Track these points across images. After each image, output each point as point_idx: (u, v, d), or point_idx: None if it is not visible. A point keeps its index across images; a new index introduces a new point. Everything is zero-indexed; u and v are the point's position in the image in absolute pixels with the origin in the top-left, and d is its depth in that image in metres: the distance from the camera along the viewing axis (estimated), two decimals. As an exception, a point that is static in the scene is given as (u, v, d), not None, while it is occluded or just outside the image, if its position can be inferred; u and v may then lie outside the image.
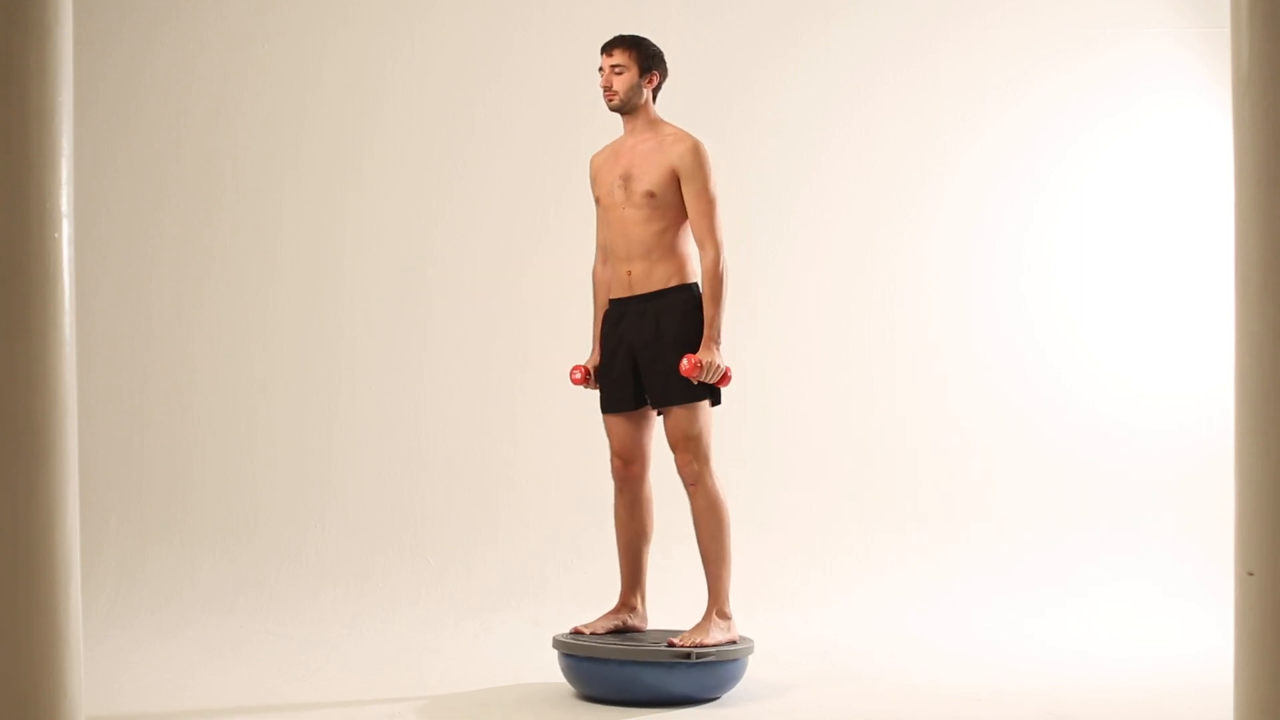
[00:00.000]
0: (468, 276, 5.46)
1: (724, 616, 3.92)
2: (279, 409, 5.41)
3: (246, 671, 4.21)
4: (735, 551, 3.97)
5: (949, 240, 5.51)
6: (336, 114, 5.50)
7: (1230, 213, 2.36)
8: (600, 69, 4.00)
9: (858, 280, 5.49)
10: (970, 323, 5.49)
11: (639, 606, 4.07)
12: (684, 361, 3.84)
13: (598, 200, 4.07)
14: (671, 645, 3.81)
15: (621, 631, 4.00)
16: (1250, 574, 2.25)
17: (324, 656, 4.42)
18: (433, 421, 5.40)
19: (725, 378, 3.90)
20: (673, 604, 4.34)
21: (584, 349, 4.25)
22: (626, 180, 3.95)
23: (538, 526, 5.27)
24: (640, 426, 4.03)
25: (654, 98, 4.03)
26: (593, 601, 4.39)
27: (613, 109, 4.00)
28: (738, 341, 4.16)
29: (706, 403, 3.93)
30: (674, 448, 3.94)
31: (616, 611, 4.04)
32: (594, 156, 4.12)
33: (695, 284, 3.97)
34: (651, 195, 3.92)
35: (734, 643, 3.88)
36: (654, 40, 4.04)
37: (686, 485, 3.95)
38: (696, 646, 3.80)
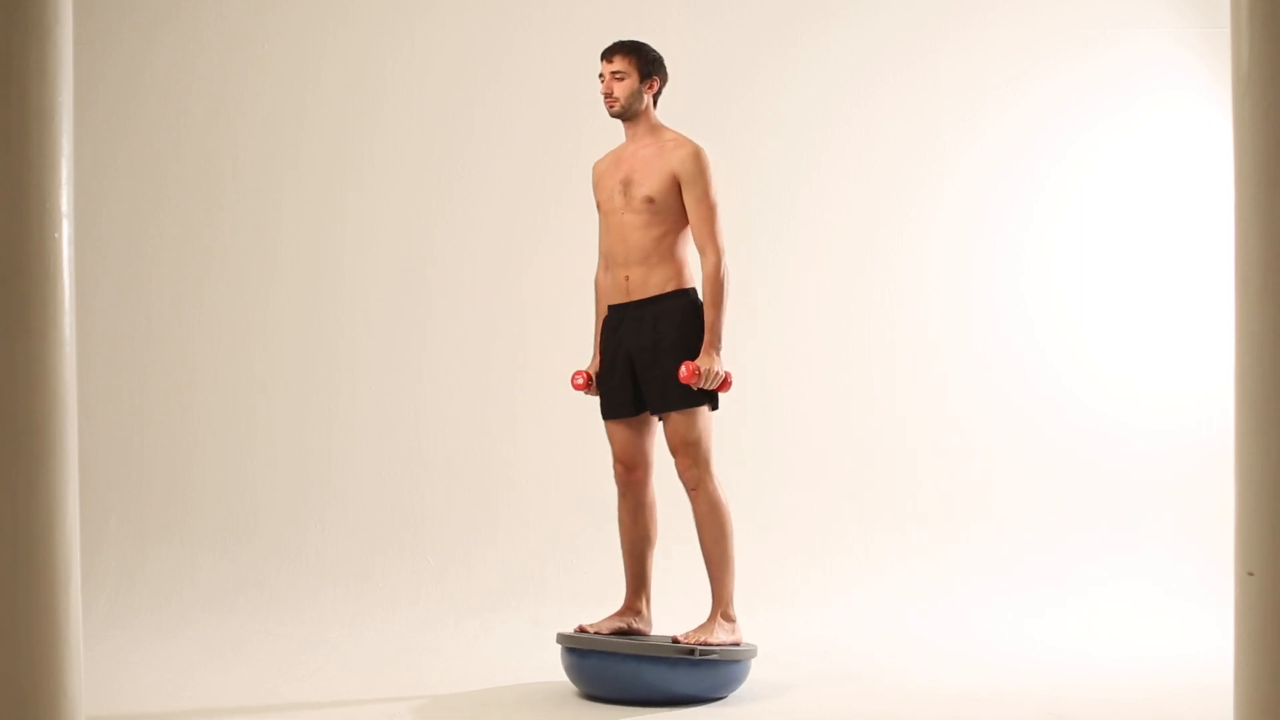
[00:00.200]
0: (468, 276, 5.46)
1: (728, 619, 3.93)
2: (279, 409, 5.42)
3: (246, 671, 4.21)
4: (736, 552, 3.97)
5: (949, 240, 5.51)
6: (336, 114, 5.50)
7: (1230, 213, 2.36)
8: (600, 75, 3.99)
9: (858, 280, 5.49)
10: (970, 323, 5.49)
11: (643, 610, 4.07)
12: (682, 369, 3.84)
13: (599, 206, 4.07)
14: (676, 642, 3.81)
15: (626, 634, 4.00)
16: (1250, 574, 2.25)
17: (324, 656, 4.42)
18: (433, 421, 5.40)
19: (725, 383, 3.90)
20: (675, 607, 4.34)
21: (584, 350, 4.25)
22: (627, 186, 3.95)
23: (538, 526, 5.27)
24: (641, 432, 4.03)
25: (655, 103, 4.03)
26: (593, 601, 4.40)
27: (614, 115, 4.00)
28: (738, 342, 4.16)
29: (705, 407, 3.92)
30: (674, 453, 3.94)
31: (621, 614, 4.04)
32: (596, 163, 4.13)
33: (693, 289, 3.97)
34: (651, 201, 3.91)
35: (738, 644, 3.89)
36: (654, 42, 4.04)
37: (688, 490, 3.95)
38: (700, 644, 3.80)
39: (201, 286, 5.46)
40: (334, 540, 5.24)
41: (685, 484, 3.94)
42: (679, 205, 3.92)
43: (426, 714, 3.71)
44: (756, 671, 4.01)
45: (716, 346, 3.88)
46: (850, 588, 5.08)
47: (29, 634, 2.28)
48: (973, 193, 5.51)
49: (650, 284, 3.95)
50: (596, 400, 4.11)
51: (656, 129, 4.00)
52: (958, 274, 5.50)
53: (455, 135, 5.50)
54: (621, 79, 3.96)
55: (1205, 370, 5.36)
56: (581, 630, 3.95)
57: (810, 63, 5.51)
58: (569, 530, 5.21)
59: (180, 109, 5.48)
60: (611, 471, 4.06)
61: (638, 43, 4.00)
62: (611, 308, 4.04)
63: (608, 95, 3.97)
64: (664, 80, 4.03)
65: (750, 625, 4.09)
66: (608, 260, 4.06)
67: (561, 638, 3.91)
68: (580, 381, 4.12)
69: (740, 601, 4.02)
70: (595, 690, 3.85)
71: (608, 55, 3.99)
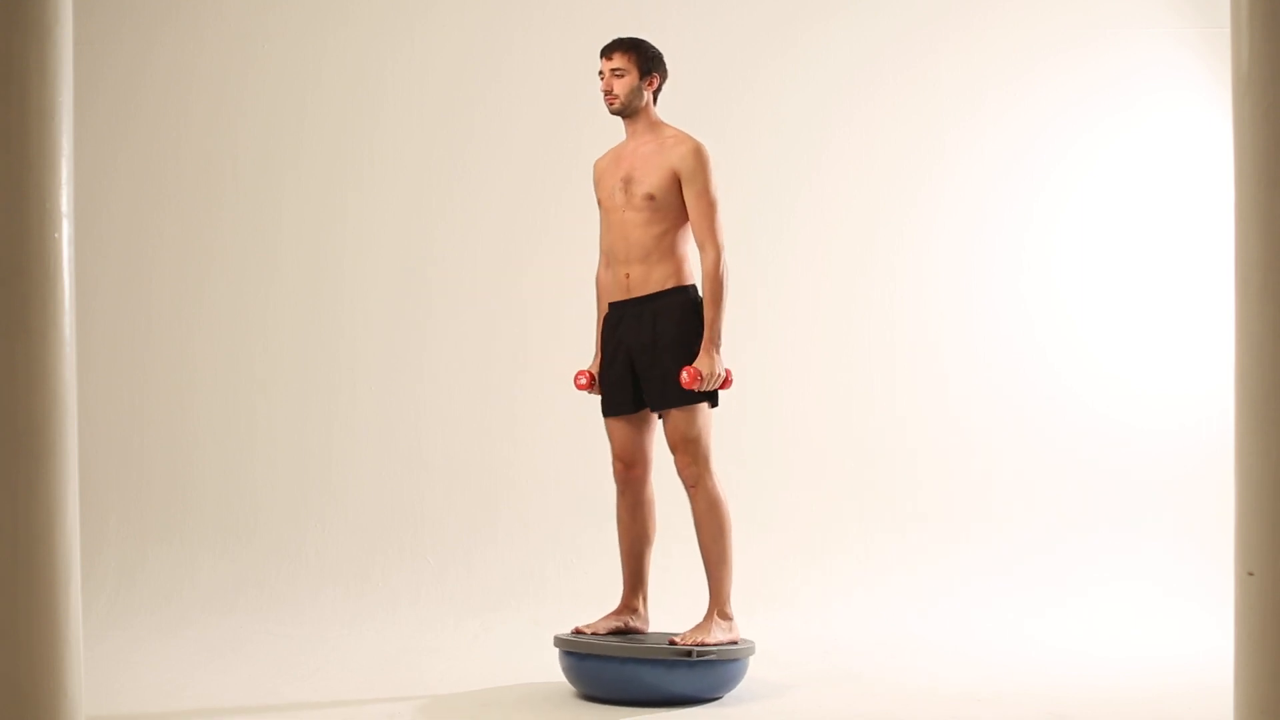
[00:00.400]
0: (468, 276, 5.46)
1: (725, 617, 3.93)
2: (279, 409, 5.42)
3: (246, 671, 4.21)
4: (735, 551, 3.97)
5: (949, 240, 5.51)
6: (336, 114, 5.50)
7: (1230, 213, 2.36)
8: (600, 73, 3.99)
9: (858, 280, 5.49)
10: (970, 323, 5.49)
11: (641, 609, 4.07)
12: (683, 374, 3.83)
13: (600, 204, 4.07)
14: (673, 644, 3.81)
15: (623, 633, 4.00)
16: (1250, 574, 2.25)
17: (324, 656, 4.42)
18: (433, 421, 5.40)
19: (726, 382, 3.90)
20: (673, 605, 4.34)
21: (584, 350, 4.25)
22: (627, 183, 3.95)
23: (538, 526, 5.27)
24: (641, 429, 4.03)
25: (655, 99, 4.03)
26: (593, 601, 4.39)
27: (614, 113, 4.00)
28: (738, 341, 4.16)
29: (705, 405, 3.92)
30: (673, 450, 3.94)
31: (619, 613, 4.04)
32: (597, 161, 4.13)
33: (693, 286, 3.97)
34: (652, 198, 3.91)
35: (735, 643, 3.89)
36: (654, 41, 4.04)
37: (687, 487, 3.95)
38: (697, 645, 3.80)
39: (201, 286, 5.46)
40: (334, 540, 5.24)
41: (684, 481, 3.94)
42: (679, 202, 3.92)
43: (426, 714, 3.71)
44: (756, 671, 4.01)
45: (716, 345, 3.88)
46: (850, 588, 5.08)
47: (29, 634, 2.28)
48: (973, 193, 5.51)
49: (650, 281, 3.95)
50: (596, 400, 4.12)
51: (657, 126, 4.00)
52: (958, 274, 5.50)
53: (455, 135, 5.49)
54: (621, 76, 3.96)
55: (1205, 370, 5.36)
56: (578, 632, 3.95)
57: (810, 63, 5.51)
58: (569, 530, 5.21)
59: (180, 109, 5.48)
60: (611, 469, 4.07)
61: (637, 40, 4.00)
62: (612, 305, 4.04)
63: (607, 93, 3.97)
64: (664, 77, 4.02)
65: (750, 625, 4.09)
66: (608, 258, 4.06)
67: (559, 640, 3.91)
68: (583, 382, 4.12)
69: (740, 601, 4.02)
70: (594, 691, 3.85)
71: (607, 52, 3.99)
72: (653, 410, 3.99)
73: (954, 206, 5.51)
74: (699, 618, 4.01)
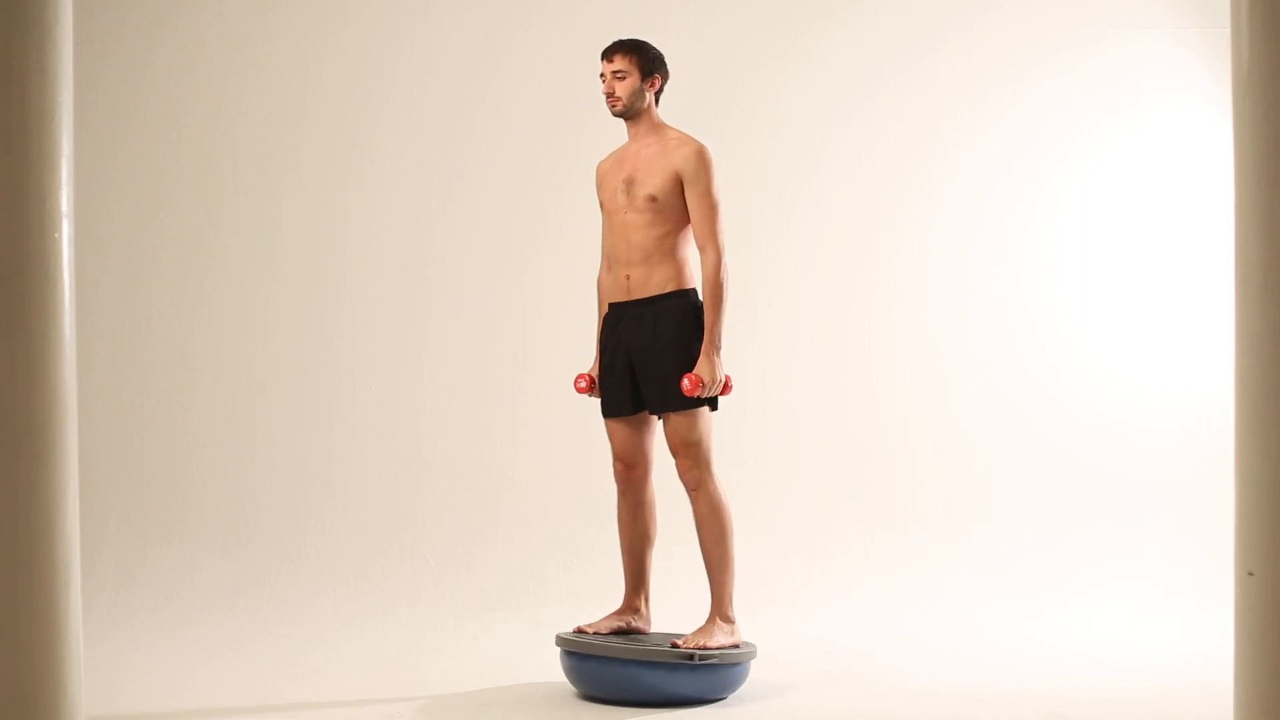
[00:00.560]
0: (468, 276, 5.46)
1: (727, 620, 3.92)
2: (279, 409, 5.42)
3: (246, 671, 4.21)
4: (735, 552, 3.97)
5: (949, 240, 5.51)
6: (336, 114, 5.50)
7: (1230, 213, 2.36)
8: (601, 75, 3.99)
9: (858, 280, 5.49)
10: (970, 323, 5.49)
11: (643, 609, 4.07)
12: (685, 382, 3.83)
13: (602, 206, 4.07)
14: (675, 646, 3.81)
15: (624, 633, 4.00)
16: (1250, 574, 2.25)
17: (324, 656, 4.42)
18: (433, 421, 5.40)
19: (725, 387, 3.90)
20: (674, 606, 4.34)
21: (584, 350, 4.25)
22: (629, 185, 3.95)
23: (538, 526, 5.27)
24: (641, 430, 4.03)
25: (657, 101, 4.03)
26: (593, 601, 4.39)
27: (616, 115, 3.99)
28: (738, 342, 4.16)
29: (706, 408, 3.92)
30: (674, 453, 3.94)
31: (620, 613, 4.04)
32: (600, 163, 4.12)
33: (693, 290, 3.97)
34: (654, 199, 3.91)
35: (737, 646, 3.88)
36: (654, 41, 4.04)
37: (688, 490, 3.94)
38: (699, 649, 3.79)
39: (201, 286, 5.46)
40: (334, 540, 5.24)
41: (686, 485, 3.94)
42: (682, 204, 3.92)
43: (426, 714, 3.71)
44: (756, 671, 4.01)
45: (716, 347, 3.87)
46: (850, 588, 5.08)
47: (29, 634, 2.28)
48: (973, 193, 5.51)
49: (651, 283, 3.95)
50: (597, 400, 4.12)
51: (659, 128, 4.00)
52: (958, 274, 5.50)
53: (455, 135, 5.49)
54: (623, 78, 3.95)
55: (1205, 370, 5.36)
56: (580, 631, 3.95)
57: (810, 63, 5.51)
58: (569, 530, 5.21)
59: (180, 109, 5.48)
60: (611, 470, 4.07)
61: (638, 41, 4.00)
62: (612, 305, 4.04)
63: (609, 95, 3.97)
64: (665, 78, 4.02)
65: (750, 625, 4.09)
66: (610, 260, 4.05)
67: (560, 641, 3.90)
68: (583, 385, 4.12)
69: (740, 601, 4.02)
70: (595, 692, 3.85)
71: (608, 55, 3.99)
72: (652, 413, 3.99)
73: (954, 206, 5.51)
74: (700, 619, 4.01)
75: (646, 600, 4.08)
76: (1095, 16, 5.51)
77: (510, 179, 5.47)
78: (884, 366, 5.45)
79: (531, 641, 4.48)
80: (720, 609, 3.93)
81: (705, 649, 3.80)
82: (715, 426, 3.96)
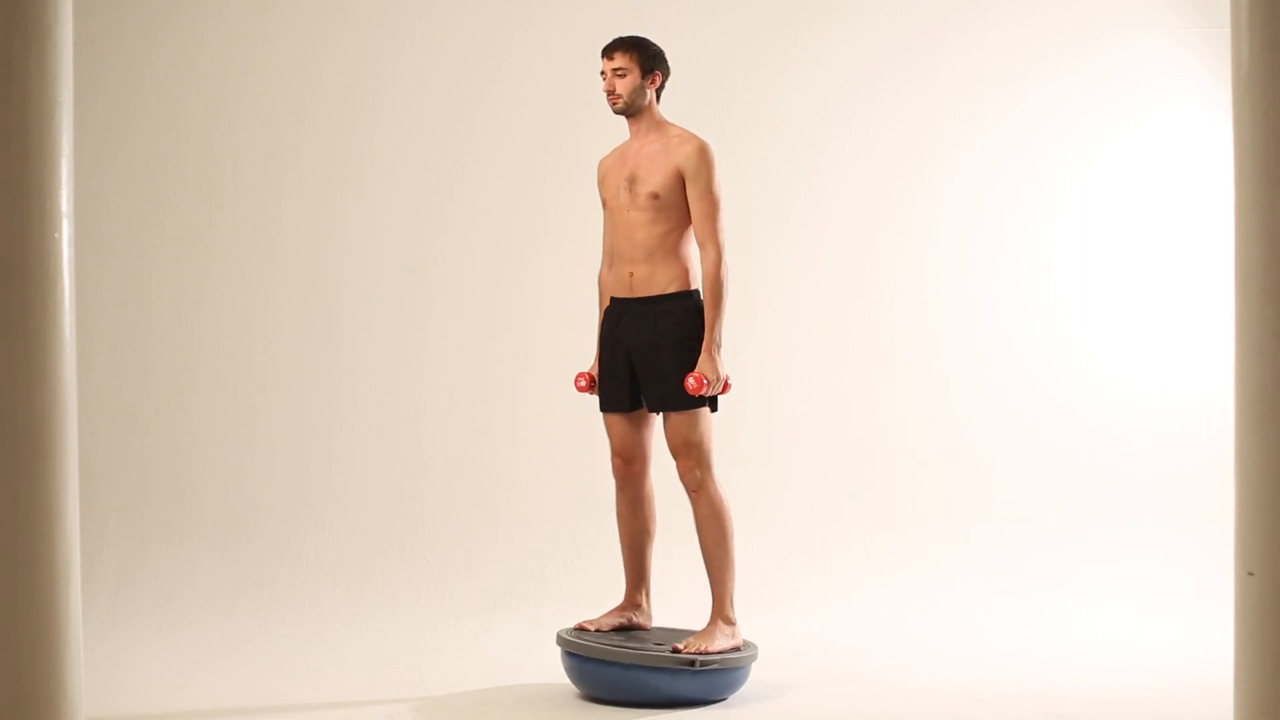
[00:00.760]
0: (468, 276, 5.46)
1: (729, 622, 3.92)
2: (279, 409, 5.42)
3: (246, 671, 4.21)
4: (735, 552, 3.97)
5: (949, 240, 5.51)
6: (336, 114, 5.50)
7: (1230, 213, 2.36)
8: (602, 73, 3.99)
9: (858, 280, 5.49)
10: (970, 323, 5.49)
11: (644, 604, 4.07)
12: (688, 380, 3.83)
13: (605, 203, 4.07)
14: (676, 651, 3.80)
15: (626, 629, 4.00)
16: (1250, 574, 2.25)
17: (324, 656, 4.42)
18: (433, 421, 5.40)
19: (725, 386, 3.91)
20: (674, 605, 4.34)
21: (584, 350, 4.25)
22: (631, 182, 3.95)
23: (538, 526, 5.27)
24: (639, 425, 4.02)
25: (658, 98, 4.02)
26: (593, 601, 4.39)
27: (617, 112, 3.99)
28: (738, 341, 4.16)
29: (706, 409, 3.92)
30: (675, 455, 3.93)
31: (622, 609, 4.04)
32: (602, 160, 4.12)
33: (696, 291, 3.96)
34: (656, 197, 3.91)
35: (738, 649, 3.88)
36: (654, 40, 4.03)
37: (689, 492, 3.94)
38: (701, 654, 3.79)
39: (201, 286, 5.46)
40: (334, 540, 5.24)
41: (687, 486, 3.94)
42: (684, 202, 3.92)
43: (426, 714, 3.71)
44: (757, 671, 4.01)
45: (717, 346, 3.87)
46: (850, 588, 5.08)
47: (29, 634, 2.28)
48: (973, 193, 5.51)
49: (654, 282, 3.94)
50: (596, 400, 4.11)
51: (661, 125, 3.99)
52: (958, 274, 5.50)
53: (455, 135, 5.49)
54: (623, 75, 3.95)
55: (1205, 370, 5.36)
56: (581, 628, 3.95)
57: (810, 63, 5.51)
58: (569, 530, 5.21)
59: (180, 109, 5.48)
60: (609, 466, 4.07)
61: (638, 38, 4.00)
62: (614, 300, 4.04)
63: (610, 93, 3.96)
64: (666, 75, 4.01)
65: (750, 625, 4.09)
66: (612, 257, 4.05)
67: (562, 640, 3.90)
68: (583, 384, 4.12)
69: (740, 601, 4.02)
70: (595, 693, 3.85)
71: (608, 52, 3.98)
72: (651, 412, 3.99)
73: (954, 206, 5.51)
74: (700, 618, 4.01)
75: (648, 595, 4.08)
76: (1095, 16, 5.51)
77: (510, 179, 5.47)
78: (884, 366, 5.45)
79: (531, 641, 4.48)
80: (721, 611, 3.92)
81: (706, 654, 3.80)
82: (715, 427, 3.96)
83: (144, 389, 5.41)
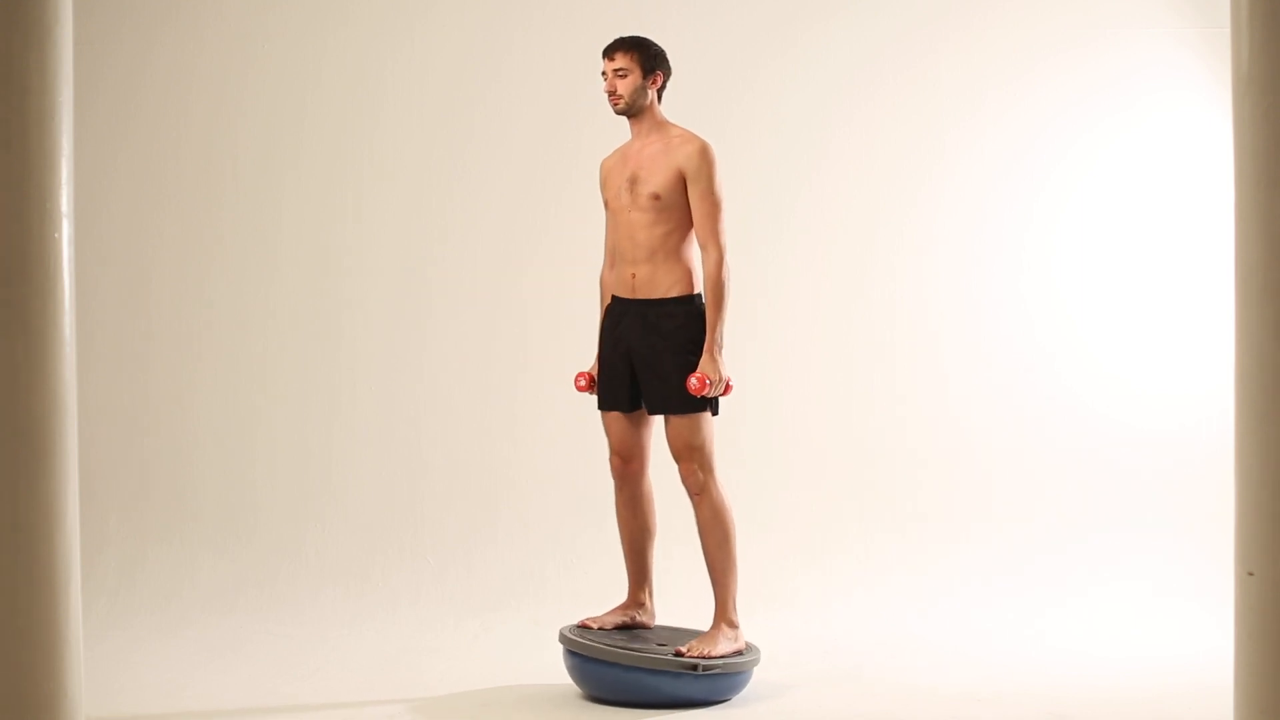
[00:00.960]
0: (468, 276, 5.46)
1: (731, 625, 3.92)
2: (279, 409, 5.41)
3: (246, 671, 4.21)
4: (737, 554, 3.97)
5: (949, 240, 5.51)
6: (336, 114, 5.50)
7: (1230, 213, 2.36)
8: (603, 73, 3.98)
9: (858, 280, 5.49)
10: (970, 323, 5.49)
11: (647, 603, 4.07)
12: (690, 381, 3.83)
13: (606, 204, 4.06)
14: (679, 654, 3.80)
15: (629, 628, 4.00)
16: (1250, 574, 2.25)
17: (324, 656, 4.42)
18: (433, 421, 5.40)
19: (727, 388, 3.90)
20: (674, 605, 4.34)
21: (584, 350, 4.25)
22: (633, 183, 3.94)
23: (538, 526, 5.27)
24: (638, 424, 4.02)
25: (659, 98, 4.02)
26: (593, 601, 4.39)
27: (618, 113, 3.98)
28: (738, 342, 4.15)
29: (707, 412, 3.91)
30: (677, 458, 3.93)
31: (625, 608, 4.05)
32: (604, 161, 4.11)
33: (698, 295, 3.95)
34: (657, 198, 3.90)
35: (741, 653, 3.88)
36: (655, 40, 4.03)
37: (691, 495, 3.94)
38: (703, 658, 3.79)
39: (202, 286, 5.46)
40: (334, 540, 5.24)
41: (689, 489, 3.93)
42: (686, 202, 3.91)
43: (426, 714, 3.71)
44: (757, 672, 4.00)
45: (718, 346, 3.87)
46: (850, 588, 5.08)
47: (29, 634, 2.28)
48: (973, 193, 5.51)
49: (656, 284, 3.93)
50: (596, 400, 4.11)
51: (662, 125, 3.99)
52: (958, 274, 5.50)
53: (455, 135, 5.49)
54: (624, 76, 3.94)
55: (1205, 370, 5.36)
56: (584, 625, 3.95)
57: (810, 63, 5.51)
58: (569, 530, 5.21)
59: (180, 109, 5.48)
60: (608, 465, 4.07)
61: (639, 38, 3.99)
62: (616, 299, 4.03)
63: (611, 93, 3.96)
64: (667, 75, 4.01)
65: (750, 625, 4.09)
66: (614, 258, 4.05)
67: (565, 639, 3.90)
68: (583, 384, 4.12)
69: (740, 601, 4.02)
70: (597, 693, 3.85)
71: (609, 53, 3.98)
72: (651, 414, 3.99)
73: (954, 206, 5.51)
74: (702, 616, 4.01)
75: (650, 594, 4.08)
76: (1095, 16, 5.50)
77: (510, 179, 5.47)
78: (884, 367, 5.45)
79: (531, 641, 4.48)
80: (724, 614, 3.92)
81: (709, 658, 3.79)
82: (715, 427, 3.96)
83: (144, 389, 5.41)
